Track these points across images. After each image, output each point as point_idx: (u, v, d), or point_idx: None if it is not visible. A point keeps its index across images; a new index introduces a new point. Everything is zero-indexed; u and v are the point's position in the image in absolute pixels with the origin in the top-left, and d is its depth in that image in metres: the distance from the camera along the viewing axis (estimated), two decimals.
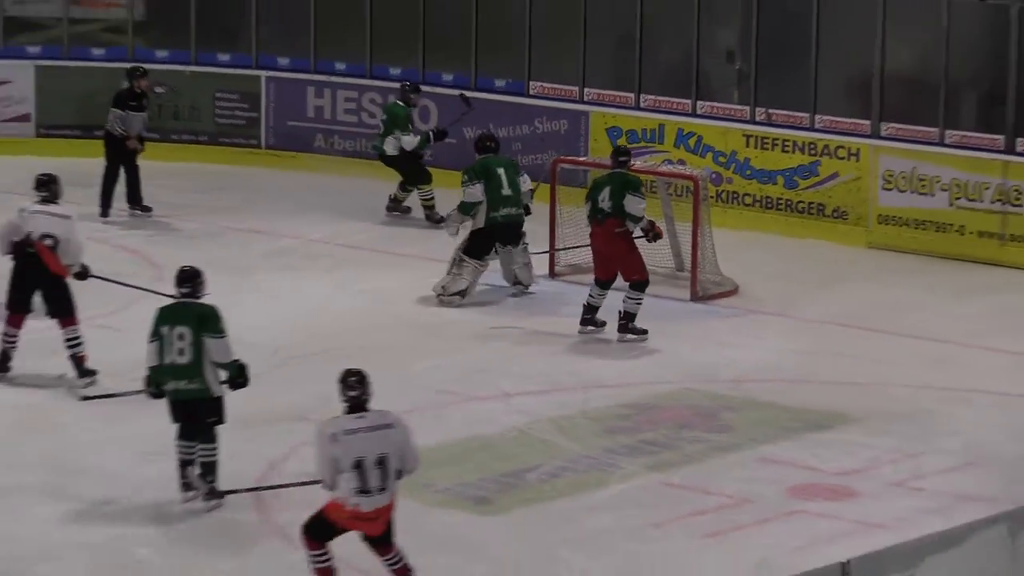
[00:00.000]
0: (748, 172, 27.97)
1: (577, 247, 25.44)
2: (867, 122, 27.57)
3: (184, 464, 18.52)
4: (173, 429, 19.40)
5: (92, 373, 21.66)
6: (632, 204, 23.04)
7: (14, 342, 21.96)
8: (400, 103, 28.10)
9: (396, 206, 28.41)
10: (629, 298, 23.29)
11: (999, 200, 26.43)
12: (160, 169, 28.69)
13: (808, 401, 21.39)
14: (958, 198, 26.71)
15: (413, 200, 28.29)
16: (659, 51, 29.33)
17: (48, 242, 21.49)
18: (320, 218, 25.10)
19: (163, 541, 17.95)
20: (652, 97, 29.02)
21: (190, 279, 18.46)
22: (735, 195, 27.73)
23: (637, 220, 23.14)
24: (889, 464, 19.67)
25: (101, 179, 27.87)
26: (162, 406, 19.32)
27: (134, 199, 27.94)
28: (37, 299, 21.90)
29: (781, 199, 27.69)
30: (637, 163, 27.44)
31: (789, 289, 24.89)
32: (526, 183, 25.14)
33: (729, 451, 19.92)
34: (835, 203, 27.36)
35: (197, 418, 18.60)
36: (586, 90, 29.21)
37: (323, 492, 15.43)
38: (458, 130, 27.99)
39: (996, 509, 13.02)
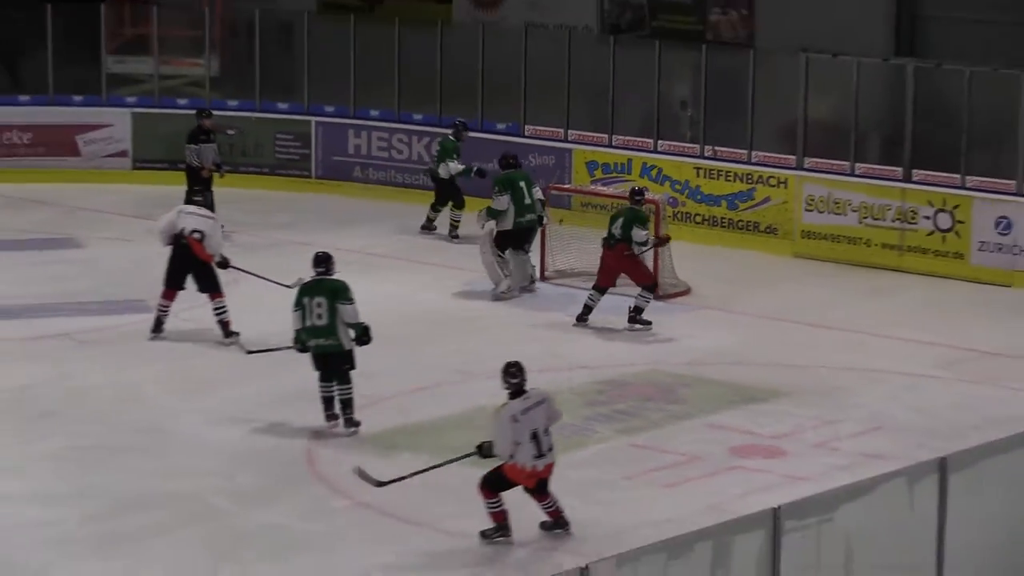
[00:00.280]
0: (698, 197, 27.96)
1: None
2: (792, 157, 27.56)
3: (326, 400, 19.72)
4: (242, 401, 19.61)
5: (235, 334, 22.51)
6: (637, 235, 23.21)
7: (166, 311, 22.99)
8: (452, 138, 27.97)
9: (429, 224, 28.33)
10: (641, 296, 23.40)
11: (898, 219, 26.47)
12: (231, 194, 28.58)
13: (747, 379, 21.45)
14: (865, 217, 26.74)
15: (441, 220, 28.42)
16: (627, 101, 29.24)
17: (196, 236, 22.60)
18: (356, 232, 25.12)
19: (230, 490, 18.00)
20: (622, 137, 28.98)
21: (324, 261, 19.78)
22: (688, 215, 27.74)
23: (641, 246, 23.27)
24: (811, 429, 19.75)
25: (184, 201, 27.81)
26: (221, 385, 19.48)
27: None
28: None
29: (724, 218, 27.65)
30: (609, 189, 27.59)
31: (731, 290, 24.89)
32: (538, 193, 25.32)
33: (683, 419, 19.97)
34: (767, 221, 27.37)
35: (334, 366, 19.58)
36: (569, 131, 29.15)
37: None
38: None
39: (897, 466, 13.05)
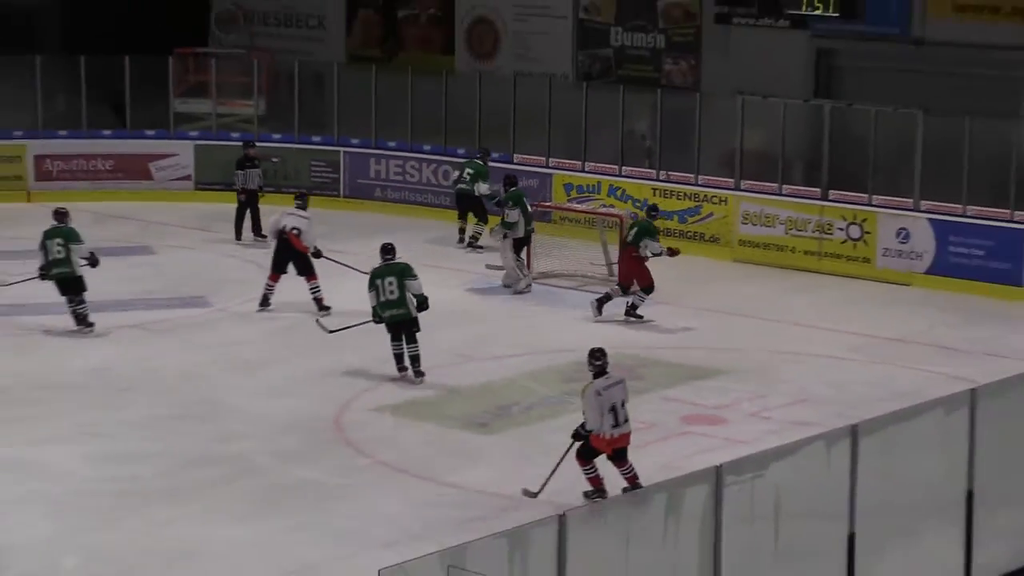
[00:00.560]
0: (657, 211, 27.75)
1: None
2: (731, 180, 27.49)
3: (397, 356, 20.50)
4: (282, 379, 19.55)
5: (327, 308, 23.16)
6: (653, 247, 23.17)
7: (272, 290, 23.70)
8: (479, 162, 27.77)
9: (474, 240, 27.94)
10: (638, 296, 23.27)
11: (817, 230, 26.43)
12: (276, 211, 28.48)
13: (694, 360, 21.40)
14: (791, 229, 26.68)
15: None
16: (597, 135, 29.17)
17: (295, 231, 23.42)
18: (377, 240, 24.74)
19: (273, 451, 18.00)
20: (592, 163, 28.88)
21: (390, 251, 20.72)
22: None
23: (654, 255, 23.17)
24: (747, 401, 19.73)
25: (235, 216, 27.87)
26: (265, 367, 19.37)
27: (256, 230, 27.67)
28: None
29: (676, 229, 27.51)
30: (582, 206, 27.56)
31: (681, 288, 24.75)
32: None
33: (643, 393, 19.87)
34: (711, 232, 27.29)
35: (405, 330, 20.32)
36: (550, 159, 29.07)
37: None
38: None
39: (817, 431, 13.01)
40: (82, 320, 22.29)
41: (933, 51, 28.54)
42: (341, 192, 30.92)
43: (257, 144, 29.03)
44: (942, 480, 12.34)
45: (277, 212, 24.33)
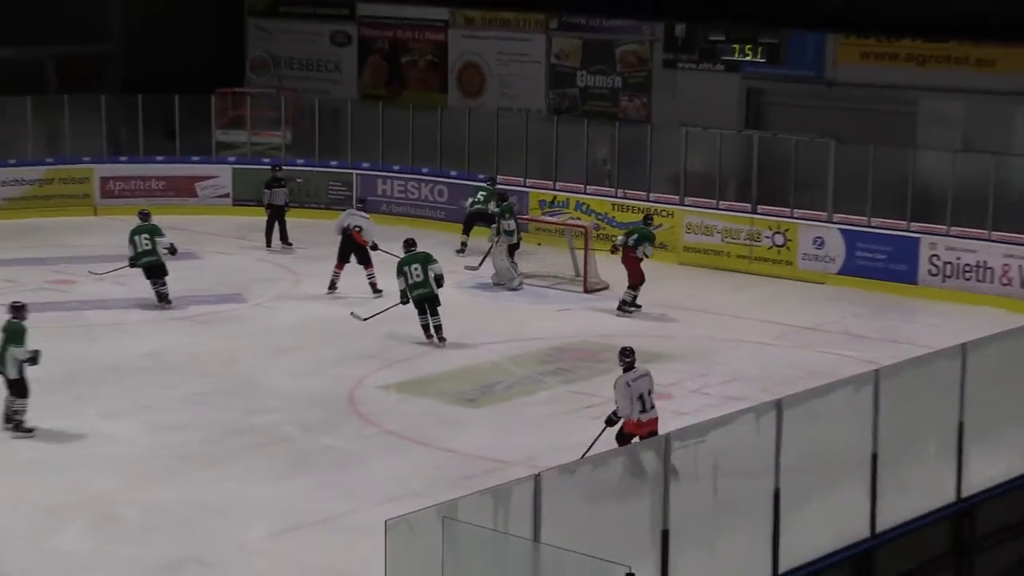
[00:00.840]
0: (614, 223, 27.84)
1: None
2: (677, 197, 27.42)
3: (424, 327, 21.22)
4: (305, 363, 19.47)
5: (380, 291, 23.63)
6: (647, 249, 23.28)
7: (338, 276, 24.18)
8: (489, 186, 27.44)
9: (463, 248, 27.38)
10: (627, 291, 23.33)
11: (748, 239, 26.41)
12: (300, 222, 28.48)
13: (647, 345, 21.22)
14: (727, 238, 26.65)
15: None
16: (565, 159, 29.08)
17: (357, 228, 24.06)
18: (384, 247, 24.85)
19: (298, 423, 17.97)
20: (562, 183, 28.80)
21: (412, 243, 21.69)
22: (607, 236, 27.60)
23: (647, 257, 23.28)
24: (690, 380, 19.72)
25: (265, 227, 27.78)
26: (292, 352, 19.28)
27: (283, 238, 27.60)
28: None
29: None
30: (554, 218, 27.52)
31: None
32: None
33: (605, 373, 19.76)
34: (660, 239, 27.11)
35: (430, 305, 21.01)
36: (527, 179, 29.02)
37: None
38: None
39: (748, 404, 13.00)
40: (163, 298, 23.04)
41: (843, 90, 28.61)
42: (354, 207, 30.77)
43: (284, 167, 28.86)
44: (851, 444, 12.33)
45: (341, 214, 25.25)
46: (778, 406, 11.53)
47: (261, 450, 17.01)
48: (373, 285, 23.84)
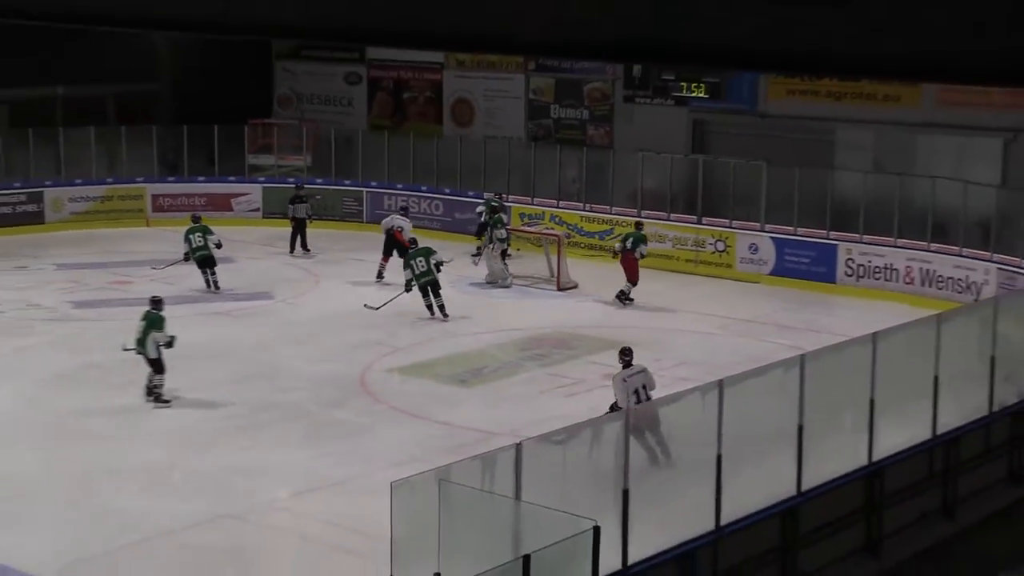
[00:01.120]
0: (582, 233, 27.81)
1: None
2: (635, 210, 27.36)
3: (428, 307, 21.80)
4: (323, 349, 19.33)
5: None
6: (642, 250, 23.38)
7: (384, 268, 24.56)
8: (494, 202, 27.13)
9: (480, 254, 26.80)
10: (627, 285, 23.32)
11: (695, 245, 26.37)
12: (319, 233, 28.46)
13: (610, 335, 21.25)
14: (676, 244, 26.61)
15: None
16: (541, 179, 29.02)
17: (399, 229, 24.42)
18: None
19: (317, 400, 17.89)
20: (539, 199, 28.74)
21: (415, 242, 22.61)
22: (577, 243, 27.58)
23: (643, 256, 23.37)
24: (645, 364, 19.40)
25: (289, 237, 27.65)
26: (311, 340, 19.12)
27: (304, 246, 27.47)
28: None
29: (596, 245, 27.38)
30: (532, 228, 27.41)
31: (601, 285, 24.71)
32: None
33: (575, 358, 19.88)
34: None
35: (433, 289, 21.84)
36: (509, 195, 28.92)
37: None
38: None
39: (695, 384, 12.93)
40: (215, 284, 23.67)
41: (773, 121, 28.56)
42: (364, 219, 30.77)
43: (305, 186, 28.83)
44: (781, 418, 12.33)
45: (388, 216, 25.83)
46: (720, 386, 11.52)
47: (285, 423, 16.95)
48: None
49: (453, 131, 32.91)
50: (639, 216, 27.13)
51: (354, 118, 34.57)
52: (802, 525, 12.25)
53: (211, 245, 23.70)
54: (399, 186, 30.58)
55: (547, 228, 27.52)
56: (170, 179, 31.09)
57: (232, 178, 31.28)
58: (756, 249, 25.85)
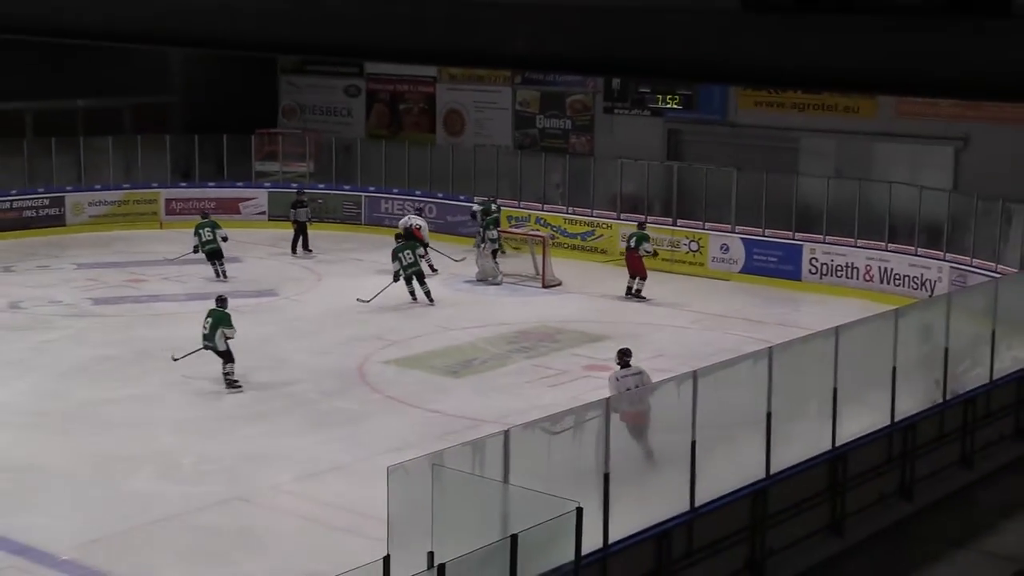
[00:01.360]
0: (566, 234, 27.75)
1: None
2: (615, 213, 27.34)
3: (412, 292, 22.20)
4: (324, 343, 19.19)
5: (436, 270, 24.41)
6: (647, 246, 23.50)
7: (429, 260, 24.39)
8: (491, 205, 27.04)
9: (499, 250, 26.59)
10: (639, 282, 23.44)
11: (670, 245, 26.28)
12: (321, 234, 28.43)
13: (591, 329, 21.28)
14: (654, 245, 26.59)
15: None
16: (527, 184, 28.97)
17: (417, 227, 24.71)
18: (386, 253, 24.78)
19: (318, 390, 17.81)
20: (525, 203, 28.67)
21: (403, 236, 22.93)
22: (561, 243, 27.52)
23: (647, 253, 23.39)
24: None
25: (291, 239, 27.54)
26: (312, 335, 19.01)
27: (306, 247, 27.39)
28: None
29: (579, 245, 27.41)
30: (519, 230, 27.35)
31: (583, 282, 24.69)
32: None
33: (559, 351, 19.81)
34: (602, 246, 27.14)
35: (419, 279, 22.32)
36: (499, 200, 28.82)
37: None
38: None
39: (671, 374, 12.87)
40: (223, 274, 24.09)
41: (742, 130, 28.52)
42: (362, 221, 30.70)
43: (306, 191, 28.79)
44: (751, 406, 12.26)
45: (405, 215, 26.19)
46: (694, 376, 11.45)
47: (289, 411, 16.86)
48: (430, 266, 24.43)
49: (445, 140, 32.82)
50: (619, 218, 27.11)
51: (353, 128, 34.46)
52: (771, 506, 12.19)
53: (219, 239, 24.20)
54: (395, 191, 30.48)
55: (532, 230, 27.44)
56: (182, 184, 30.97)
57: (240, 183, 31.16)
58: (727, 249, 25.80)
